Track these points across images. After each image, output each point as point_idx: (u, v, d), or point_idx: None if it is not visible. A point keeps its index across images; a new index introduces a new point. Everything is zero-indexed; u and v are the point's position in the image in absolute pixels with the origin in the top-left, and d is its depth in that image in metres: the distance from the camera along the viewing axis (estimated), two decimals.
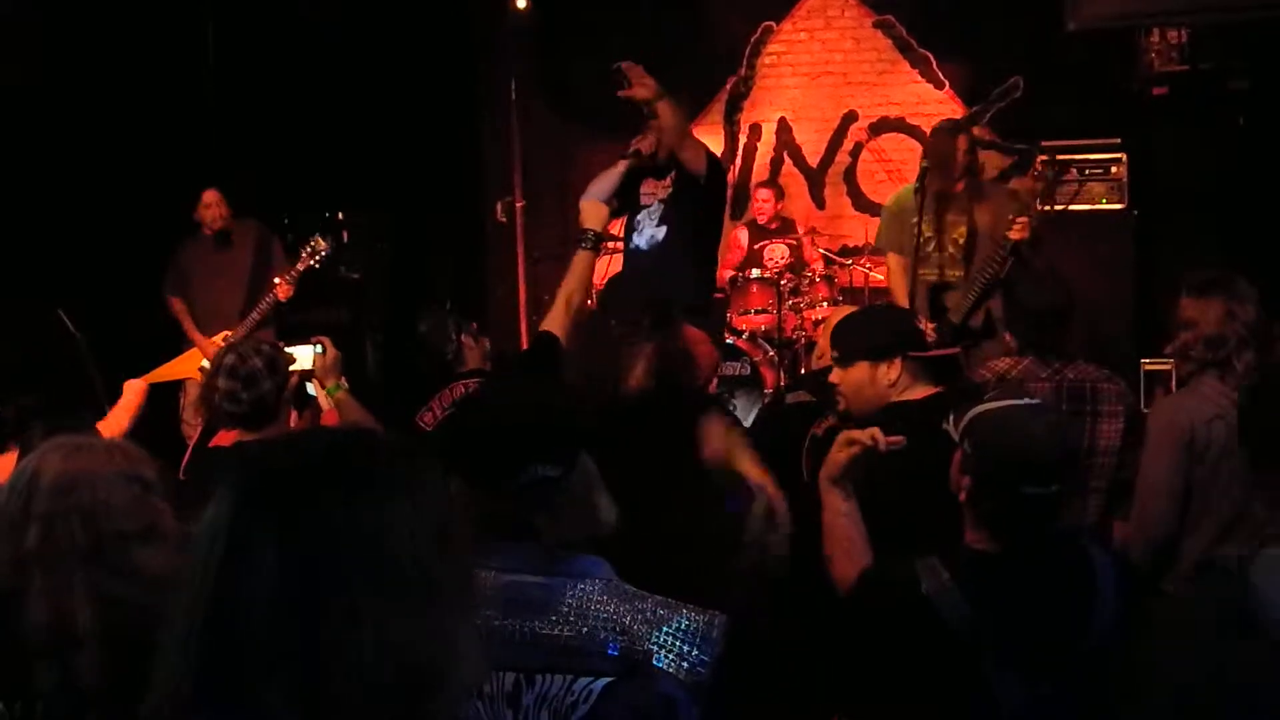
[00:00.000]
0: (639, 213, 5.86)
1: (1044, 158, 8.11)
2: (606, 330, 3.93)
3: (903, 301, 6.12)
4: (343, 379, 4.15)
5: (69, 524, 2.16)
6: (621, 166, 5.40)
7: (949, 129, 6.42)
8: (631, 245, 5.81)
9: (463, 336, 4.83)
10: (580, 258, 4.07)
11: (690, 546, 2.77)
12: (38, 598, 2.12)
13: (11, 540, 2.16)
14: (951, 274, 6.13)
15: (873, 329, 3.67)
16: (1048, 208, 5.99)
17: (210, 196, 7.46)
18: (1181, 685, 1.93)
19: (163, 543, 2.22)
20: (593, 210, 4.23)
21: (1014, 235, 5.68)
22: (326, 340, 4.15)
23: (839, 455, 2.95)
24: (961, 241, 6.15)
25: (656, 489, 2.82)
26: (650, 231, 5.74)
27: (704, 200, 5.67)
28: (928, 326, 5.70)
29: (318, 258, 6.98)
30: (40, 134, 6.90)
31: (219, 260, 7.50)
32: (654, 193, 5.83)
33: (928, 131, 9.51)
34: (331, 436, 1.44)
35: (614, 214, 6.02)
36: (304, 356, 4.07)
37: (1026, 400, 2.78)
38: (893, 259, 6.45)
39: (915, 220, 6.08)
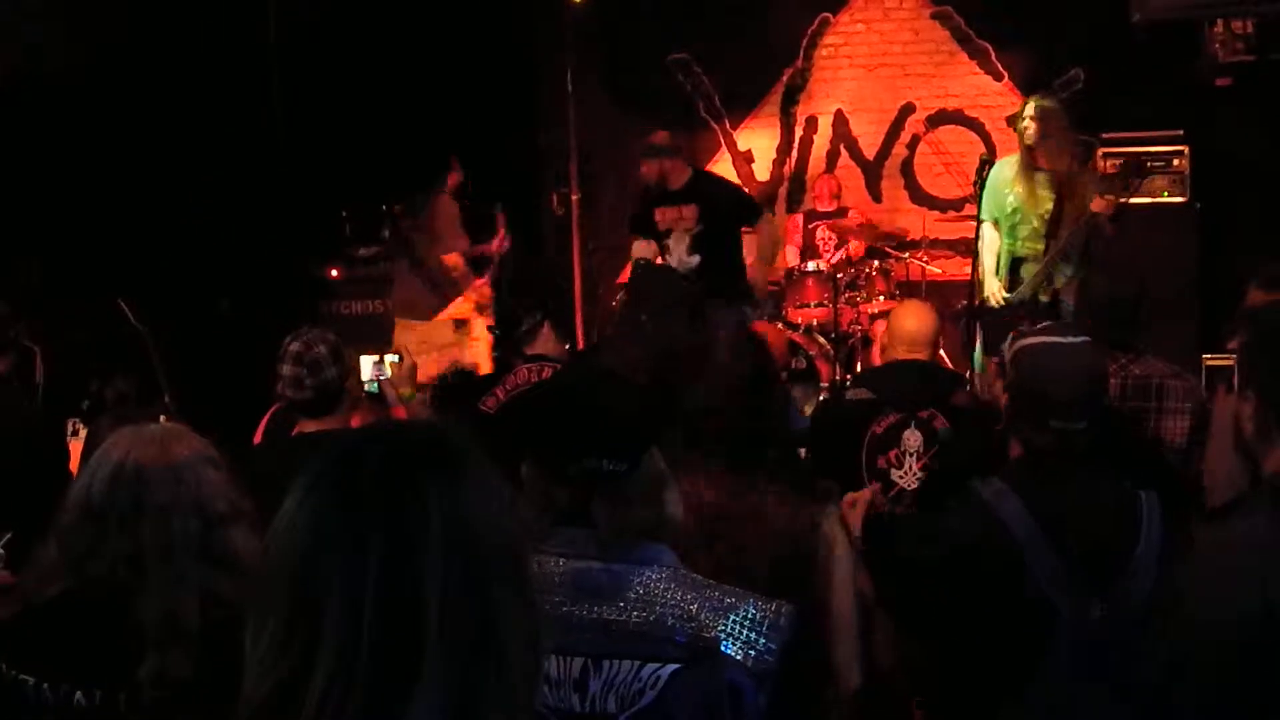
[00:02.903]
0: (664, 238, 6.96)
1: (1105, 150, 8.07)
2: (637, 322, 3.96)
3: (989, 268, 6.51)
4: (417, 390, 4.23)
5: (184, 516, 2.19)
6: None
7: (1057, 108, 6.48)
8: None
9: (545, 320, 4.83)
10: None
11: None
12: (152, 594, 2.14)
13: (123, 535, 2.18)
14: (1030, 247, 6.35)
15: None
16: (1122, 199, 6.06)
17: None
18: (1257, 606, 1.91)
19: (246, 522, 2.25)
20: (642, 247, 5.62)
21: (1096, 207, 5.98)
22: (404, 349, 4.24)
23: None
24: (1047, 218, 6.32)
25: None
26: (679, 256, 6.86)
27: (729, 221, 7.02)
28: (996, 296, 6.35)
29: None
30: (100, 128, 6.97)
31: None
32: (676, 219, 6.95)
33: (986, 124, 9.53)
34: (437, 430, 1.42)
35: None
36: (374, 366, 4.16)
37: (1069, 338, 2.90)
38: (986, 228, 6.58)
39: (1008, 192, 6.38)
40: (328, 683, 1.23)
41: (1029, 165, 6.29)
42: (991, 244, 6.55)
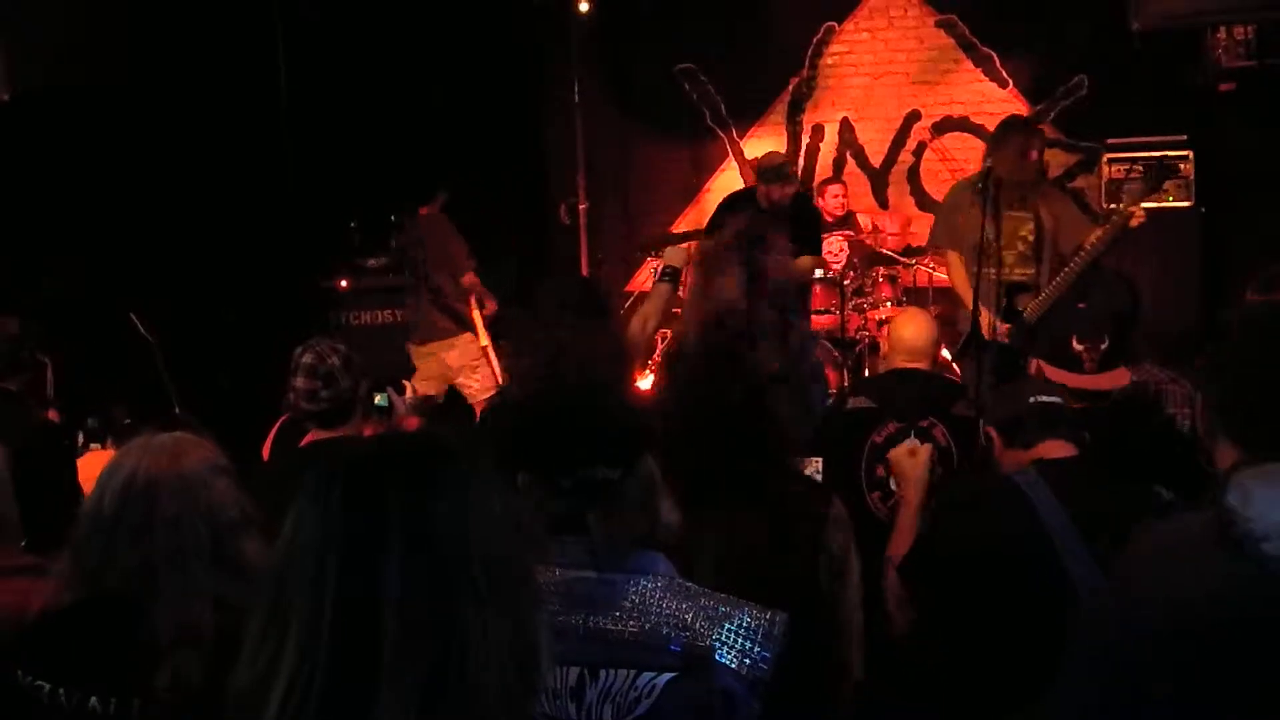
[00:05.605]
0: None
1: (1109, 156, 8.08)
2: (528, 333, 3.98)
3: (966, 299, 5.95)
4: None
5: (195, 525, 2.22)
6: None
7: (1020, 125, 6.29)
8: None
9: None
10: (660, 289, 4.77)
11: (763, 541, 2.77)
12: (167, 603, 2.17)
13: (135, 546, 2.20)
14: (1020, 272, 6.03)
15: None
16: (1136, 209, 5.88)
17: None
18: (1180, 603, 1.91)
19: (255, 529, 2.28)
20: (675, 251, 4.98)
21: (1135, 222, 5.57)
22: (408, 383, 4.30)
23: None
24: (1031, 239, 6.06)
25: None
26: None
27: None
28: (1001, 327, 5.85)
29: None
30: (108, 140, 7.01)
31: None
32: None
33: (991, 130, 9.51)
34: (423, 440, 1.44)
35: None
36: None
37: None
38: (953, 256, 6.33)
39: (971, 217, 5.88)
40: (290, 680, 1.26)
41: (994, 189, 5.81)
42: (960, 272, 6.22)
